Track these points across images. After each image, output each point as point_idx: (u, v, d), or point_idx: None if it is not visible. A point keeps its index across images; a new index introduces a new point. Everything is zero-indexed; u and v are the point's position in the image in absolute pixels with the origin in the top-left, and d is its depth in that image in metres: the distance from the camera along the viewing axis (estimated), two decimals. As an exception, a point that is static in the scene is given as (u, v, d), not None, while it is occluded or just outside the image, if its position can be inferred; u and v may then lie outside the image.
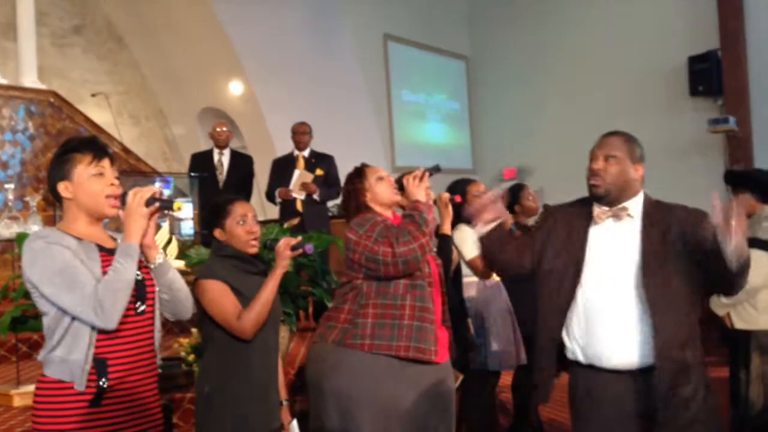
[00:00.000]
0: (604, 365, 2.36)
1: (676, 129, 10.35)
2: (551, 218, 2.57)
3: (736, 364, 4.00)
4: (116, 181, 2.08)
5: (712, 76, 9.86)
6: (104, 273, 1.96)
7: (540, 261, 2.51)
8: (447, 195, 3.50)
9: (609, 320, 2.35)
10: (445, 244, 3.52)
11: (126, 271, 1.96)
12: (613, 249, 2.39)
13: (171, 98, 10.32)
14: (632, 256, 2.35)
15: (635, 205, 2.42)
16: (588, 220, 2.45)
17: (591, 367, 2.40)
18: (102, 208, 2.05)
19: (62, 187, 2.06)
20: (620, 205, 2.41)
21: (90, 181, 2.04)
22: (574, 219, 2.49)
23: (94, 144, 2.09)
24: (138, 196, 2.03)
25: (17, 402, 3.82)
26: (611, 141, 2.48)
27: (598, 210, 2.43)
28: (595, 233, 2.43)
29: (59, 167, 2.06)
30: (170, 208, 2.09)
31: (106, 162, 2.07)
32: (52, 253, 1.93)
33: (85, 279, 1.92)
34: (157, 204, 2.05)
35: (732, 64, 9.73)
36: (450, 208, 3.49)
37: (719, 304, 3.99)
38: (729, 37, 9.71)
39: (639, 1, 10.68)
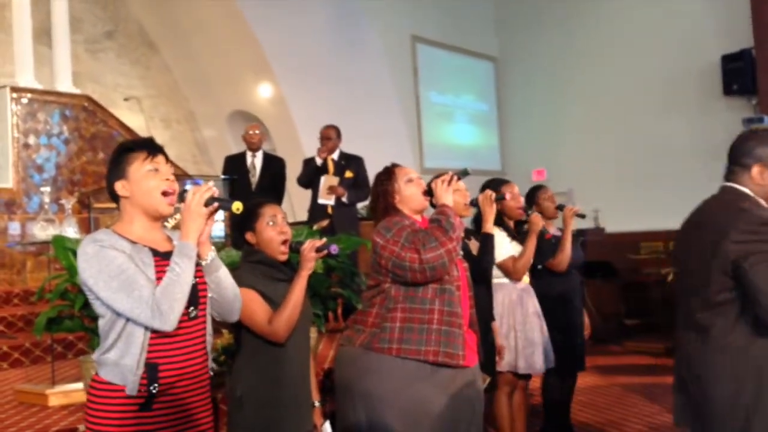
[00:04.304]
0: None
1: (710, 129, 10.19)
2: None
3: None
4: (172, 177, 2.07)
5: (746, 74, 9.70)
6: (158, 278, 1.95)
7: None
8: (492, 192, 3.47)
9: None
10: (487, 243, 3.50)
11: (183, 272, 1.94)
12: None
13: (201, 101, 10.44)
14: None
15: None
16: None
17: None
18: (157, 204, 2.03)
19: (119, 186, 2.04)
20: None
21: (145, 177, 2.03)
22: None
23: (148, 142, 2.10)
24: (197, 195, 2.00)
25: (52, 401, 3.88)
26: None
27: None
28: None
29: (115, 167, 2.06)
30: (229, 209, 2.05)
31: (160, 158, 2.07)
32: (107, 256, 1.93)
33: (142, 282, 1.92)
34: (216, 204, 2.02)
35: (766, 62, 9.55)
36: (494, 206, 3.47)
37: None
38: (763, 35, 9.53)
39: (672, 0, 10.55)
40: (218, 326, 4.08)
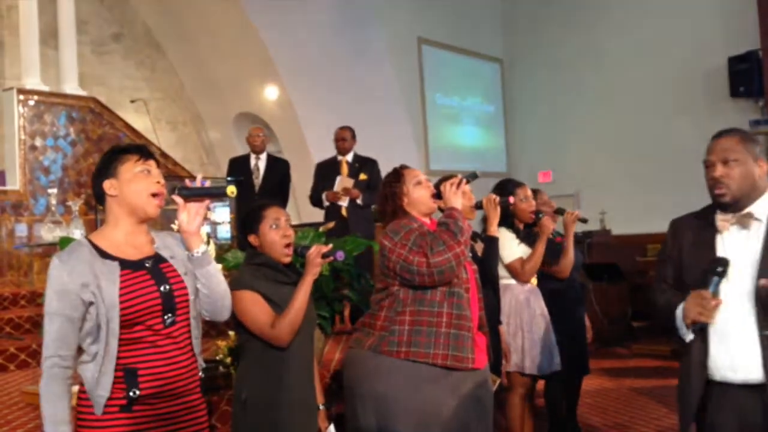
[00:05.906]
0: (730, 379, 2.22)
1: (717, 131, 10.15)
2: (672, 234, 2.42)
3: None
4: (162, 180, 2.08)
5: (752, 76, 9.67)
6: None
7: (682, 280, 2.34)
8: (495, 196, 3.47)
9: (737, 335, 2.19)
10: (491, 246, 3.49)
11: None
12: (740, 258, 2.22)
13: (207, 104, 10.45)
14: (755, 264, 2.20)
15: (762, 208, 2.26)
16: (713, 229, 2.30)
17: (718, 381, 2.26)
18: (145, 205, 2.04)
19: (107, 185, 2.05)
20: (744, 212, 2.26)
21: (136, 178, 2.04)
22: (700, 230, 2.33)
23: (141, 146, 2.13)
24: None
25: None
26: (724, 143, 2.33)
27: (721, 218, 2.29)
28: (721, 243, 2.28)
29: (106, 166, 2.07)
30: (224, 194, 2.11)
31: (152, 162, 2.09)
32: (56, 288, 1.94)
33: (64, 337, 1.94)
34: (208, 199, 2.13)
35: (773, 64, 9.52)
36: (498, 209, 3.46)
37: None
38: (770, 36, 9.51)
39: (678, 1, 10.53)
40: (224, 327, 4.08)
